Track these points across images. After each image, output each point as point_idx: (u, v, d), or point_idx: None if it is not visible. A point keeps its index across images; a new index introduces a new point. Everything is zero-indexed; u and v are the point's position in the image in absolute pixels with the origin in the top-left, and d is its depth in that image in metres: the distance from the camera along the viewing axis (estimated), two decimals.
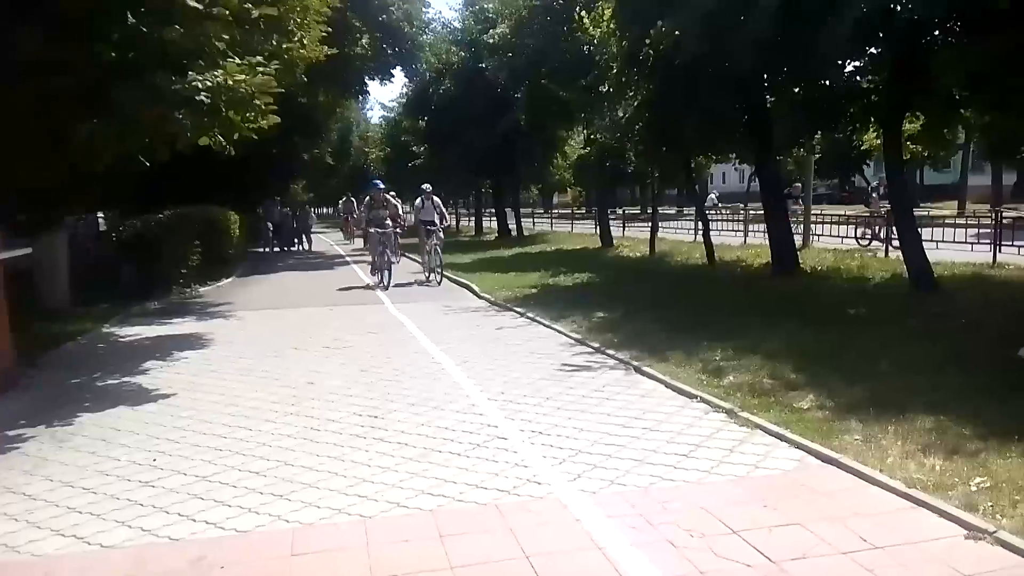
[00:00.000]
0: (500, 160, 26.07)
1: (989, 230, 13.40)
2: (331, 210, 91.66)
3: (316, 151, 32.10)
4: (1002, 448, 4.18)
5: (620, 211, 32.42)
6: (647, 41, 10.44)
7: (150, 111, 7.45)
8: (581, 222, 33.43)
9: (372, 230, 14.54)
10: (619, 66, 12.75)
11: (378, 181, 15.53)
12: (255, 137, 9.15)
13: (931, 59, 8.61)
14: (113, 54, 7.76)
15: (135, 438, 5.35)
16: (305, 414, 5.79)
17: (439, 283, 14.37)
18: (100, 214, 14.15)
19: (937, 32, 8.87)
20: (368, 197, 15.34)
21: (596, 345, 7.84)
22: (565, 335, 8.60)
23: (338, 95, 25.42)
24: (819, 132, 13.79)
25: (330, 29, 13.88)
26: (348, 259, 22.94)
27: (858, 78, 10.65)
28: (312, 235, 30.73)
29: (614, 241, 21.48)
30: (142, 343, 9.39)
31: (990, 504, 3.52)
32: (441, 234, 15.09)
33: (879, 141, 16.10)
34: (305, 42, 12.16)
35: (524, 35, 21.02)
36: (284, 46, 10.99)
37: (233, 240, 18.84)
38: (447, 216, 16.88)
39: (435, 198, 15.43)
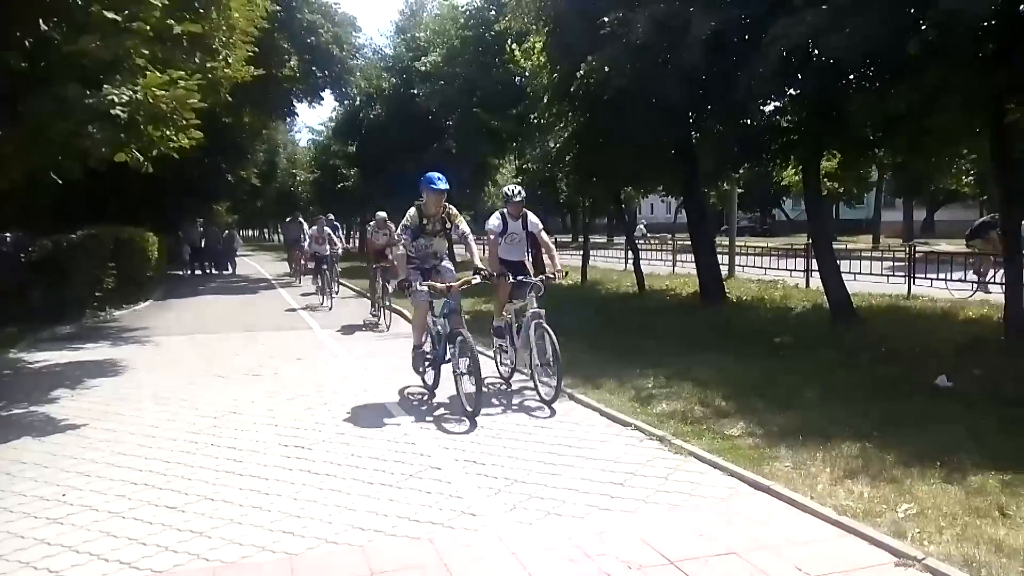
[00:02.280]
0: None
1: (903, 263, 14.05)
2: (256, 233, 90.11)
3: (241, 172, 31.31)
4: (925, 474, 4.31)
5: (552, 239, 32.63)
6: (578, 74, 10.59)
7: (60, 125, 7.10)
8: None
9: (419, 284, 6.69)
10: (550, 97, 12.92)
11: (437, 176, 6.77)
12: (175, 155, 8.85)
13: (847, 101, 9.02)
14: (24, 63, 7.40)
15: (42, 471, 4.99)
16: (227, 445, 5.53)
17: (551, 408, 6.34)
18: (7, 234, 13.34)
19: (853, 76, 9.30)
20: (414, 210, 6.83)
21: (530, 372, 7.77)
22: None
23: (264, 116, 24.99)
24: (742, 167, 14.27)
25: (257, 49, 13.65)
26: (274, 282, 22.34)
27: (778, 117, 11.08)
28: (236, 258, 29.85)
29: (546, 268, 21.58)
30: (51, 369, 8.86)
31: (917, 531, 3.60)
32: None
33: (798, 177, 16.86)
34: (230, 61, 11.93)
35: (456, 64, 21.22)
36: (208, 64, 10.74)
37: (151, 262, 18.11)
38: (555, 253, 8.07)
39: (531, 215, 7.61)
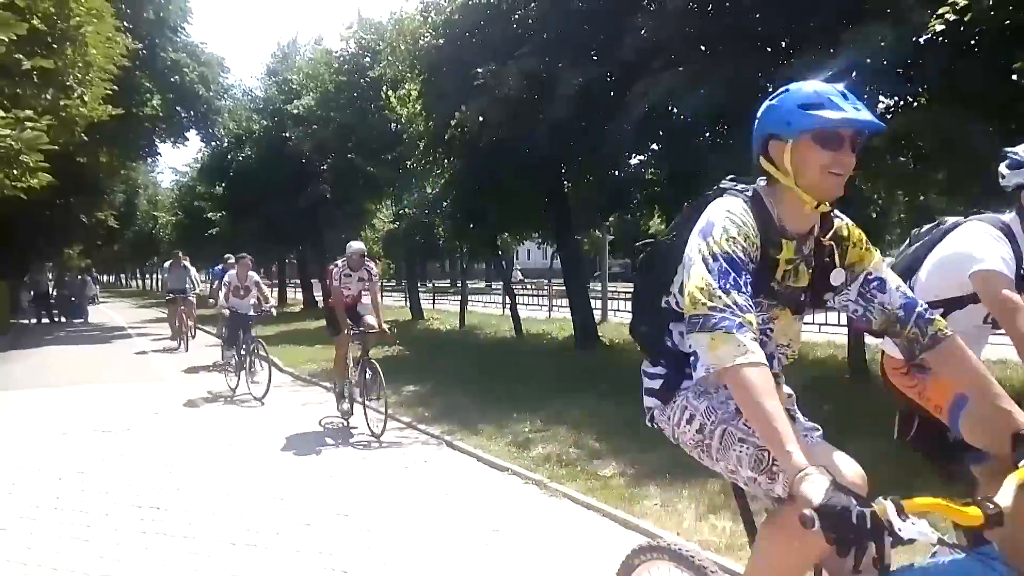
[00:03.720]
0: (305, 230, 25.48)
1: None
2: (113, 278, 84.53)
3: (97, 214, 29.46)
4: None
5: (430, 284, 32.65)
6: (452, 122, 10.80)
7: None
8: (390, 294, 33.15)
9: (816, 472, 1.47)
10: (426, 144, 13.04)
11: (839, 91, 1.83)
12: (23, 196, 8.26)
13: (704, 156, 9.67)
14: None
15: None
16: (74, 508, 5.09)
17: None
18: None
19: (708, 132, 9.99)
20: (740, 205, 1.92)
21: (407, 420, 7.70)
22: (374, 410, 8.36)
23: (123, 156, 23.73)
24: (611, 216, 14.93)
25: (116, 87, 13.06)
26: (130, 330, 20.96)
27: (643, 169, 11.71)
28: (91, 306, 27.85)
29: (424, 314, 21.55)
30: None
31: None
32: None
33: (664, 226, 17.79)
34: (86, 99, 11.35)
35: (330, 108, 21.01)
36: (62, 102, 10.18)
37: None
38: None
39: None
